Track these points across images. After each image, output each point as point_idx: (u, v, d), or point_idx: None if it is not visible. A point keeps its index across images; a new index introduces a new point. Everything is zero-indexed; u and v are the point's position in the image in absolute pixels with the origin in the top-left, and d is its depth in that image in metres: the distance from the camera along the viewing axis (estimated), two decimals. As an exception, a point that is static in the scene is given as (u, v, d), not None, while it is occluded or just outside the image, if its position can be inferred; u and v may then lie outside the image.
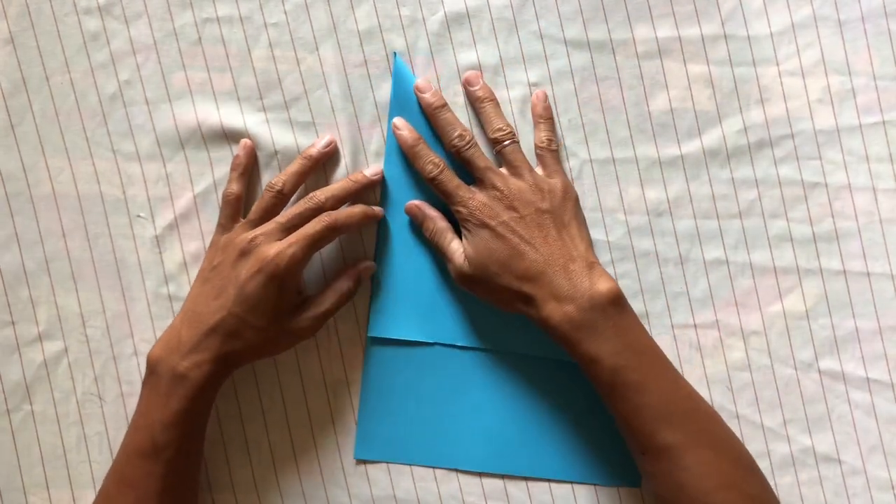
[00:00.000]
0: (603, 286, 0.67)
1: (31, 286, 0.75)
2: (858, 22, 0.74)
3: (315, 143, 0.74)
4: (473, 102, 0.74)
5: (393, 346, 0.75)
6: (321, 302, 0.72)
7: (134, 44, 0.75)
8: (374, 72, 0.75)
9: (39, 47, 0.75)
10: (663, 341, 0.74)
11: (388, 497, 0.75)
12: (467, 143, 0.72)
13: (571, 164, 0.74)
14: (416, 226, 0.74)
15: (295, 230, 0.70)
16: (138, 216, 0.75)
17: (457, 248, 0.71)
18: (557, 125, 0.74)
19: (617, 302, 0.67)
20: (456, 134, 0.72)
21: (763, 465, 0.73)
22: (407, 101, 0.74)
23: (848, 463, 0.74)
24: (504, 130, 0.72)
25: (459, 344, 0.74)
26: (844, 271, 0.74)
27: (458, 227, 0.72)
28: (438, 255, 0.74)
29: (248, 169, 0.74)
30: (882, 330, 0.74)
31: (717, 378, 0.74)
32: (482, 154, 0.72)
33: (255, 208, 0.72)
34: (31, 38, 0.75)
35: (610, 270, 0.74)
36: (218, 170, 0.75)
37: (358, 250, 0.75)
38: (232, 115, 0.75)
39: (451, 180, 0.72)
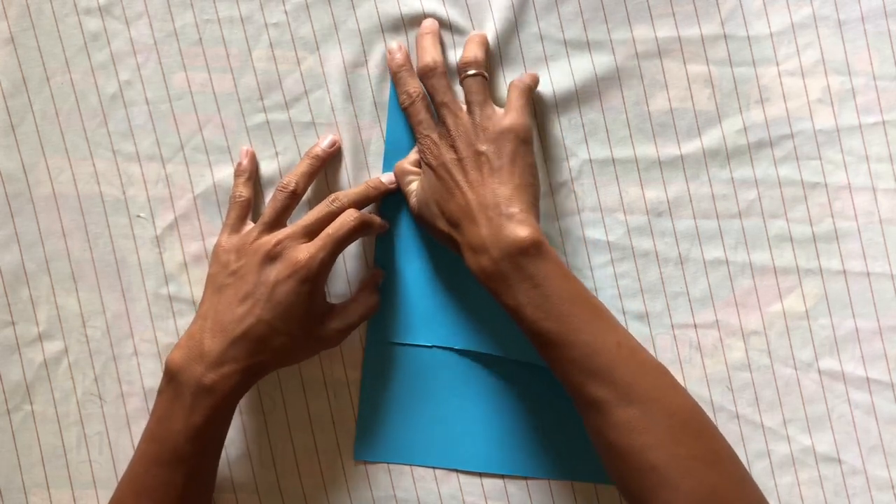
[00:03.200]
0: (518, 234, 0.64)
1: (32, 286, 0.75)
2: (858, 22, 0.74)
3: (319, 143, 0.74)
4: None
5: (392, 346, 0.75)
6: (349, 313, 0.71)
7: (134, 44, 0.75)
8: (374, 72, 0.75)
9: (39, 47, 0.75)
10: (663, 341, 0.74)
11: (389, 497, 0.75)
12: (431, 71, 0.70)
13: (571, 164, 0.74)
14: (415, 228, 0.74)
15: (317, 233, 0.69)
16: (138, 216, 0.75)
17: (412, 190, 0.71)
18: (557, 125, 0.74)
19: (530, 251, 0.64)
20: (425, 60, 0.71)
21: (763, 465, 0.73)
22: (407, 101, 0.74)
23: (848, 463, 0.74)
24: (469, 60, 0.70)
25: (458, 347, 0.74)
26: (844, 271, 0.74)
27: None
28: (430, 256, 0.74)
29: (254, 174, 0.74)
30: (882, 330, 0.74)
31: (717, 378, 0.74)
32: (444, 86, 0.70)
33: (269, 209, 0.71)
34: (32, 38, 0.75)
35: (610, 270, 0.74)
36: (218, 171, 0.75)
37: (357, 255, 0.75)
38: (232, 116, 0.75)
39: (418, 114, 0.71)
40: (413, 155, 0.72)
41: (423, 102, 0.71)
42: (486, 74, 0.70)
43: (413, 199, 0.71)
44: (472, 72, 0.70)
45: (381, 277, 0.74)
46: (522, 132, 0.68)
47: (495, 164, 0.67)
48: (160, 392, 0.68)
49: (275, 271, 0.67)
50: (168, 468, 0.66)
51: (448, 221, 0.68)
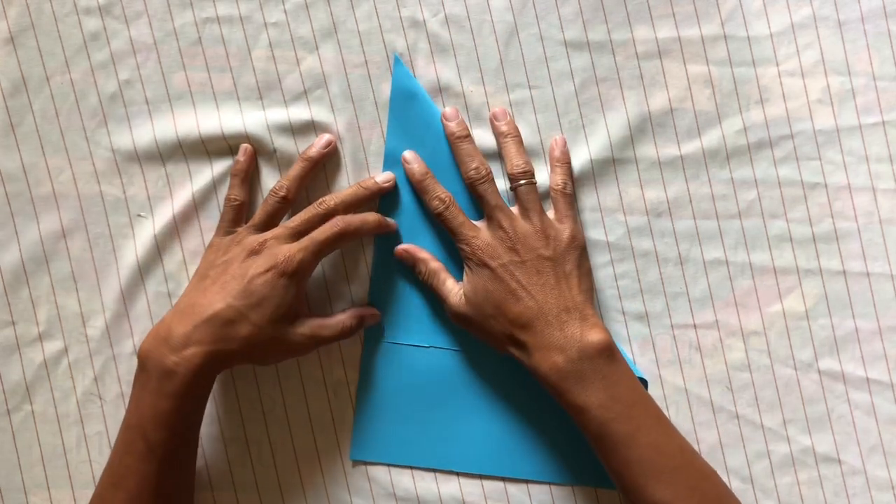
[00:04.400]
0: (593, 337, 0.67)
1: (32, 286, 0.75)
2: (858, 22, 0.74)
3: (314, 144, 0.74)
4: (497, 137, 0.74)
5: (391, 347, 0.75)
6: (323, 327, 0.71)
7: (134, 44, 0.75)
8: (374, 72, 0.74)
9: (39, 47, 0.75)
10: (663, 341, 0.74)
11: (389, 496, 0.75)
12: (482, 178, 0.71)
13: (571, 165, 0.74)
14: (414, 229, 0.74)
15: (304, 235, 0.70)
16: (138, 215, 0.75)
17: (451, 288, 0.72)
18: (557, 126, 0.74)
19: (606, 353, 0.67)
20: (473, 166, 0.72)
21: (763, 465, 0.74)
22: (406, 102, 0.74)
23: (848, 463, 0.74)
24: (521, 168, 0.72)
25: (456, 348, 0.74)
26: (844, 271, 0.74)
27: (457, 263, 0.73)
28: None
29: (249, 174, 0.74)
30: (882, 330, 0.74)
31: (717, 378, 0.74)
32: (495, 191, 0.72)
33: (261, 213, 0.72)
34: (32, 38, 0.75)
35: (609, 270, 0.74)
36: (217, 169, 0.75)
37: (358, 255, 0.75)
38: (231, 115, 0.75)
39: (456, 217, 0.72)
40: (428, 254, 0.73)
41: (456, 205, 0.72)
42: (535, 181, 0.72)
43: (456, 299, 0.71)
44: (523, 181, 0.71)
45: (373, 318, 0.74)
46: (582, 240, 0.71)
47: (563, 271, 0.70)
48: (134, 380, 0.68)
49: (255, 264, 0.68)
50: (139, 457, 0.66)
51: (512, 322, 0.69)
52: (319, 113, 0.75)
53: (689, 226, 0.74)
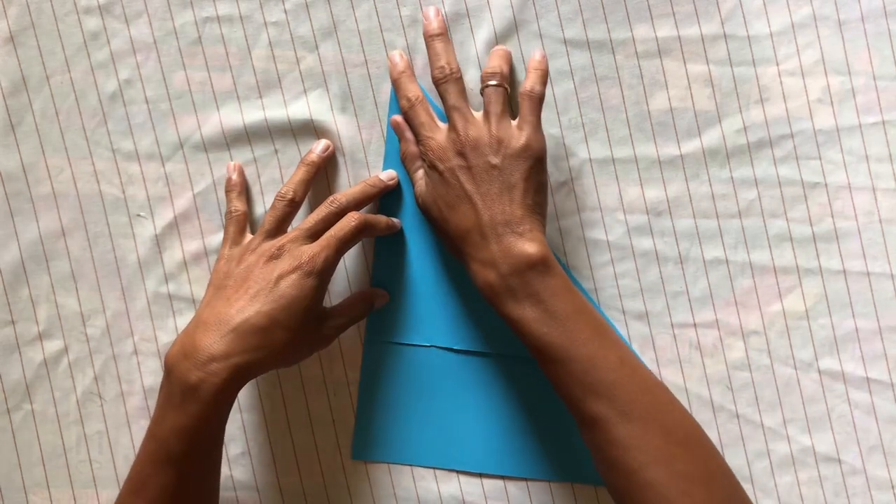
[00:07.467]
0: (527, 249, 0.65)
1: (31, 285, 0.75)
2: (858, 22, 0.73)
3: (313, 149, 0.73)
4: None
5: (391, 346, 0.75)
6: (339, 315, 0.72)
7: (134, 43, 0.75)
8: (374, 72, 0.75)
9: (39, 47, 0.75)
10: (663, 341, 0.74)
11: (389, 496, 0.75)
12: (445, 77, 0.69)
13: (571, 164, 0.74)
14: (414, 229, 0.74)
15: (319, 235, 0.69)
16: (138, 215, 0.75)
17: (419, 178, 0.71)
18: (557, 125, 0.74)
19: (538, 267, 0.65)
20: (439, 65, 0.70)
21: (763, 464, 0.73)
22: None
23: (848, 463, 0.74)
24: (493, 70, 0.69)
25: (456, 347, 0.74)
26: (844, 271, 0.74)
27: None
28: (433, 253, 0.74)
29: (244, 186, 0.74)
30: (882, 330, 0.74)
31: (717, 378, 0.74)
32: (457, 91, 0.69)
33: (270, 218, 0.70)
34: (31, 37, 0.75)
35: (609, 270, 0.74)
36: (217, 170, 0.75)
37: (357, 254, 0.75)
38: (231, 115, 0.75)
39: (418, 116, 0.70)
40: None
41: (423, 106, 0.71)
42: (507, 87, 0.69)
43: (418, 190, 0.71)
44: (493, 82, 0.69)
45: (382, 300, 0.74)
46: (539, 151, 0.68)
47: (509, 181, 0.67)
48: (160, 388, 0.66)
49: (279, 267, 0.67)
50: (162, 467, 0.64)
51: (454, 229, 0.67)
52: (319, 113, 0.75)
53: (689, 225, 0.74)
